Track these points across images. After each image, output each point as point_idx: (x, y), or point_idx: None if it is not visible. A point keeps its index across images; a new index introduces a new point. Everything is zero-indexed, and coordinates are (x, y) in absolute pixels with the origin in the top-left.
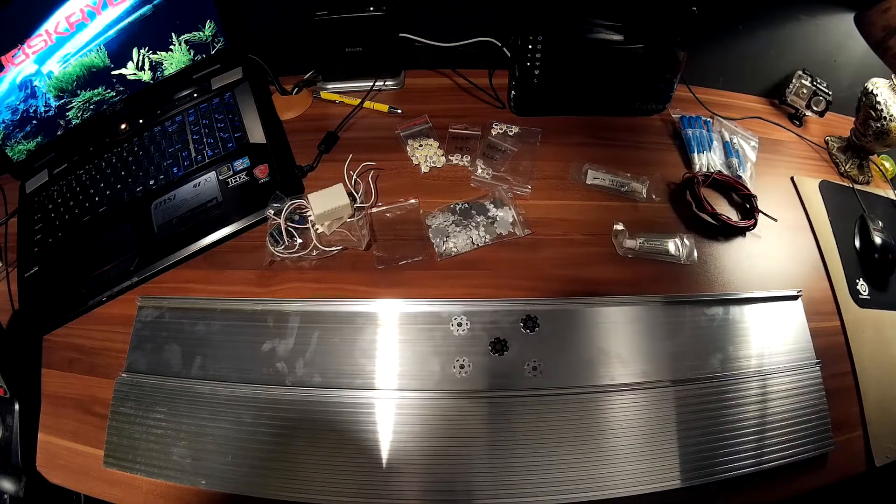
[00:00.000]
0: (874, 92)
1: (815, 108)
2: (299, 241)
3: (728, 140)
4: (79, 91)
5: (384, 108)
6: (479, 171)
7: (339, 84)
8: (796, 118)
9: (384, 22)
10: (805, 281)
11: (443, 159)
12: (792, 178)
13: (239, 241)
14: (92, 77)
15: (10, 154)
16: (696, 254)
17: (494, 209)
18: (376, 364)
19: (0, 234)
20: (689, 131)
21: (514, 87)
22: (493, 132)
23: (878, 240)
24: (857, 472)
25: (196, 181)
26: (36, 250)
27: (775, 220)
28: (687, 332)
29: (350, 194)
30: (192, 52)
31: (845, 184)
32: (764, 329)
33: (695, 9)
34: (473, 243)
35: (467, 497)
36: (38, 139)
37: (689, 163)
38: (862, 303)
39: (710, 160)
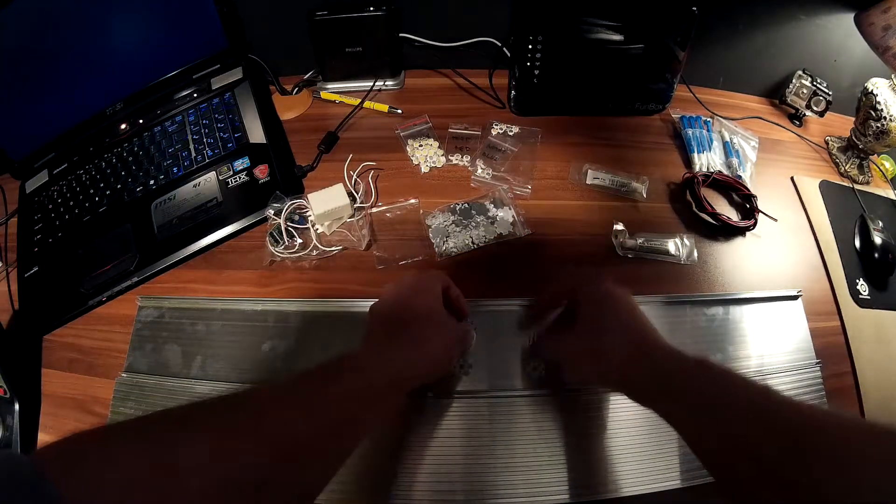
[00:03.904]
0: (874, 92)
1: (815, 108)
2: (299, 241)
3: (728, 140)
4: None
5: (384, 108)
6: (479, 171)
7: (339, 84)
8: (796, 118)
9: (384, 22)
10: (805, 281)
11: (443, 159)
12: (792, 178)
13: (239, 241)
14: None
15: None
16: (696, 254)
17: (494, 209)
18: None
19: (0, 234)
20: (689, 131)
21: (514, 87)
22: (493, 132)
23: (878, 240)
24: None
25: (196, 181)
26: (36, 250)
27: (775, 220)
28: (687, 332)
29: (350, 194)
30: None
31: (845, 184)
32: (764, 329)
33: (695, 9)
34: (473, 243)
35: (467, 497)
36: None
37: (689, 163)
38: (862, 303)
39: (710, 160)
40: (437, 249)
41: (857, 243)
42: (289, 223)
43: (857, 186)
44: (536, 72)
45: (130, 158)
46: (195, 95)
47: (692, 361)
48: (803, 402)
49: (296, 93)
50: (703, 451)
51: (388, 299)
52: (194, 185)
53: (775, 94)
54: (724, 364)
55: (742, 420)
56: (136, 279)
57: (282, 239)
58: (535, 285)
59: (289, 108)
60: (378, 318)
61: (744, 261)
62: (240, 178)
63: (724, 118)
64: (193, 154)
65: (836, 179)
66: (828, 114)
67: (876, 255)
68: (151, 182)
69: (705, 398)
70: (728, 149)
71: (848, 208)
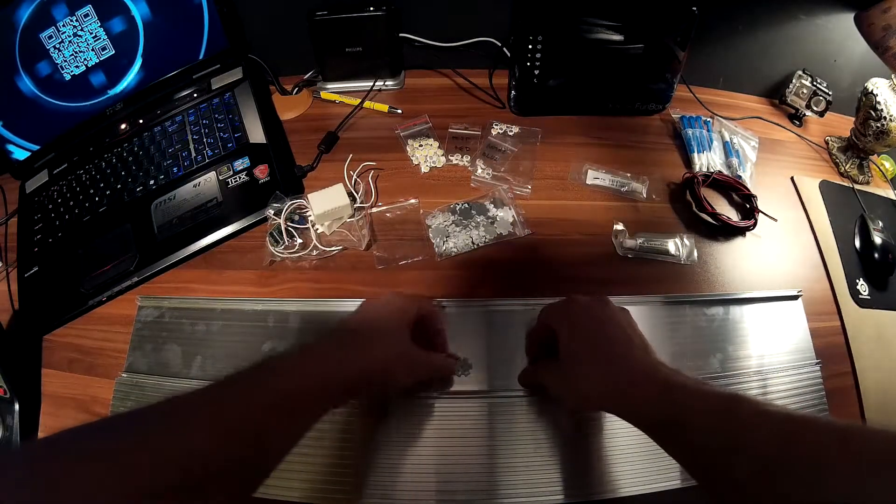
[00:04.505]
0: (874, 92)
1: (815, 108)
2: (299, 241)
3: (728, 140)
4: None
5: (384, 108)
6: (479, 171)
7: (339, 84)
8: (796, 118)
9: (384, 22)
10: (805, 281)
11: (443, 159)
12: (792, 178)
13: (239, 241)
14: None
15: None
16: (696, 254)
17: (494, 209)
18: None
19: (0, 234)
20: (689, 131)
21: (514, 87)
22: (493, 132)
23: (878, 240)
24: None
25: (196, 181)
26: (36, 250)
27: (775, 220)
28: (687, 332)
29: (350, 194)
30: None
31: (845, 184)
32: (764, 329)
33: (695, 9)
34: (473, 243)
35: (468, 497)
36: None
37: (689, 163)
38: (862, 303)
39: (710, 160)
40: (437, 249)
41: (857, 243)
42: (289, 223)
43: (857, 186)
44: (536, 72)
45: (130, 158)
46: (195, 95)
47: (662, 385)
48: (775, 404)
49: (296, 93)
50: (684, 465)
51: (355, 311)
52: (194, 185)
53: (775, 94)
54: (691, 380)
55: (710, 433)
56: (136, 279)
57: (282, 239)
58: (535, 285)
59: (289, 108)
60: (336, 326)
61: (744, 261)
62: (240, 178)
63: (724, 118)
64: (193, 154)
65: (836, 179)
66: (828, 114)
67: (876, 255)
68: (151, 182)
69: (677, 423)
70: (728, 149)
71: (848, 208)
